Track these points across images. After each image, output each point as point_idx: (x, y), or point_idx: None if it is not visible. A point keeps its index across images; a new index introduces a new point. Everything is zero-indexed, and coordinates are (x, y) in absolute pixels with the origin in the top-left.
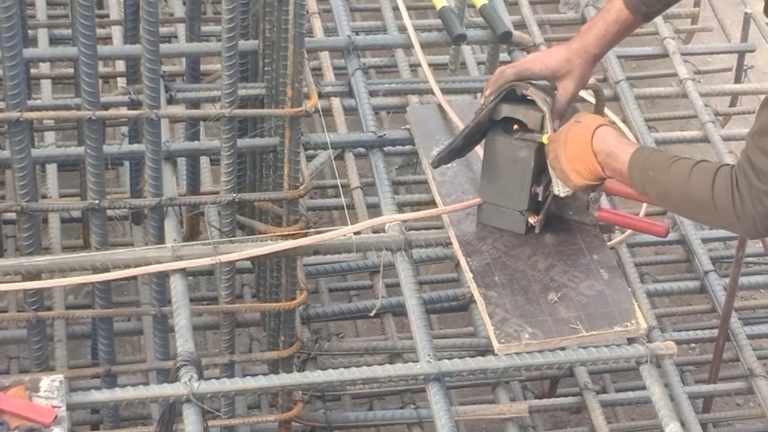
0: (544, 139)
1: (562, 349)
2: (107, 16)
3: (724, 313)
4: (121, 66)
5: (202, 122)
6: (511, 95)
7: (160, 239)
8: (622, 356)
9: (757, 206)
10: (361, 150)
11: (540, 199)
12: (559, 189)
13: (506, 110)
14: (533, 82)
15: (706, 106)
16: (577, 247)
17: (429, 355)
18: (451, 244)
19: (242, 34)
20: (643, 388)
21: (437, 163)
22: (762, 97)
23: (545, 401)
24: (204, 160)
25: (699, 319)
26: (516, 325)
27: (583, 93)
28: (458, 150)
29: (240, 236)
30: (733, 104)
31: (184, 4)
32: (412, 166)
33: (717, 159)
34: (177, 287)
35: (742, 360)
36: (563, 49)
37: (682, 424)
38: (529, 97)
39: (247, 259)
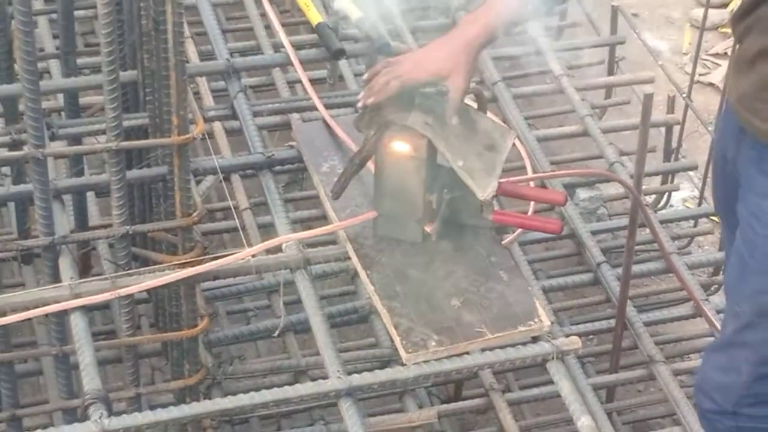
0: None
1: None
2: None
3: (620, 302)
4: None
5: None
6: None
7: (56, 278)
8: (529, 355)
9: None
10: (248, 171)
11: (434, 206)
12: (483, 193)
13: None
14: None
15: (582, 100)
16: (475, 251)
17: (338, 371)
18: (349, 258)
19: (120, 64)
20: (546, 383)
21: (338, 194)
22: (636, 87)
23: (452, 405)
24: (90, 194)
25: (594, 311)
26: (422, 333)
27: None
28: (353, 174)
29: (135, 268)
30: (608, 96)
31: (55, 38)
32: (298, 183)
33: (599, 151)
34: (78, 325)
35: (640, 347)
36: (445, 45)
37: None
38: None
39: (146, 290)
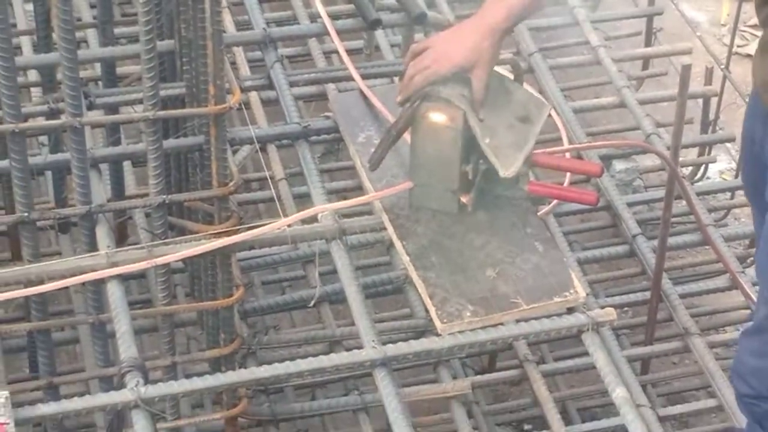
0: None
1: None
2: (14, 26)
3: (656, 274)
4: (33, 76)
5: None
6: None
7: (92, 247)
8: (564, 326)
9: None
10: (284, 141)
11: (470, 177)
12: (506, 171)
13: (429, 114)
14: None
15: (619, 71)
16: (510, 222)
17: (373, 341)
18: (384, 228)
19: (157, 34)
20: (581, 355)
21: (375, 165)
22: (674, 58)
23: (486, 376)
24: (126, 163)
25: (630, 283)
26: (457, 304)
27: (501, 69)
28: (390, 145)
29: (172, 237)
30: (645, 68)
31: (92, 8)
32: (334, 153)
33: (635, 123)
34: (115, 294)
35: (676, 319)
36: (469, 34)
37: None
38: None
39: (182, 259)
